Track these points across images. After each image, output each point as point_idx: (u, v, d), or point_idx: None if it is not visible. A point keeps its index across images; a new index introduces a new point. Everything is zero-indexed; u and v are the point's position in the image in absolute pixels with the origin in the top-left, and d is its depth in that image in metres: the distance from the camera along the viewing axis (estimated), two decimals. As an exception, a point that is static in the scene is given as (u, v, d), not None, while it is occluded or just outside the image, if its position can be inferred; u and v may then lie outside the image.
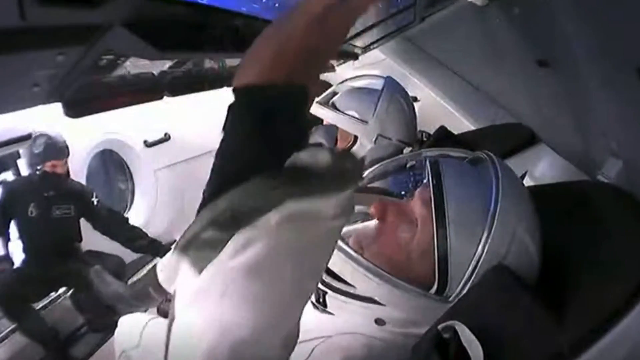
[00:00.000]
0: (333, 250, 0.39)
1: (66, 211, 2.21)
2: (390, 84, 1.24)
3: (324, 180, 0.32)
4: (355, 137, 1.18)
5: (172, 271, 0.34)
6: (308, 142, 0.36)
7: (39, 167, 2.16)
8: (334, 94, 1.27)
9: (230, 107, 0.35)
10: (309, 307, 0.67)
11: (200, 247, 0.32)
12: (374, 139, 1.16)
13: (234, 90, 0.35)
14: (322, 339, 0.59)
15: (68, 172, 2.27)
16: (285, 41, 0.36)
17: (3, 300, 2.06)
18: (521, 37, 1.40)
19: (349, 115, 1.17)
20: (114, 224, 2.36)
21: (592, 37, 0.94)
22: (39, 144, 2.13)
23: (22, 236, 2.19)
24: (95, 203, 2.30)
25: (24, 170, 2.37)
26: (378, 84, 1.25)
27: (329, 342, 0.58)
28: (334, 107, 1.20)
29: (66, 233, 2.25)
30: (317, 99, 1.22)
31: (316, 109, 1.20)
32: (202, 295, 0.32)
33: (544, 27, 1.21)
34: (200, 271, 0.32)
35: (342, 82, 1.33)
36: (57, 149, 2.17)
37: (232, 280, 0.31)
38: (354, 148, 1.18)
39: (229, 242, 0.31)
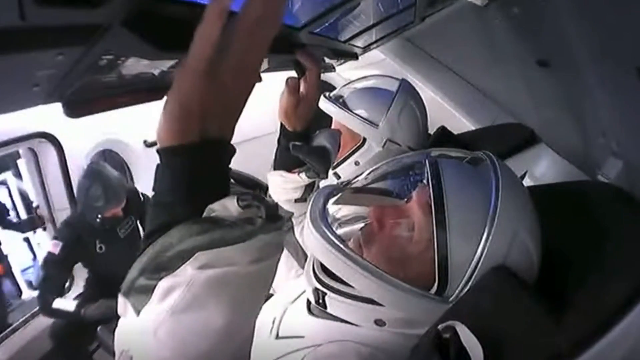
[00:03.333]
0: (267, 289, 0.42)
1: (129, 224, 2.19)
2: (405, 88, 1.19)
3: (231, 229, 0.36)
4: (365, 139, 1.16)
5: (122, 310, 0.39)
6: (226, 190, 0.39)
7: (98, 216, 2.06)
8: (347, 91, 1.23)
9: (156, 167, 0.40)
10: (303, 314, 0.68)
11: (137, 292, 0.37)
12: (382, 143, 1.14)
13: (156, 151, 0.39)
14: (311, 348, 0.59)
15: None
16: (186, 101, 0.38)
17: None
18: (521, 37, 1.40)
19: (359, 115, 1.14)
20: None
21: (592, 37, 0.94)
22: (96, 196, 2.00)
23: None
24: (142, 199, 2.25)
25: (25, 173, 2.35)
26: (392, 86, 1.20)
27: (317, 351, 0.59)
28: (345, 105, 1.17)
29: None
30: (327, 95, 1.19)
31: (326, 107, 1.17)
32: (141, 334, 0.37)
33: (544, 27, 1.21)
34: (138, 313, 0.37)
35: (356, 80, 1.29)
36: (116, 198, 2.06)
37: (161, 321, 0.36)
38: (362, 150, 1.16)
39: (156, 288, 0.36)
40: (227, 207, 0.37)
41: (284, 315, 0.71)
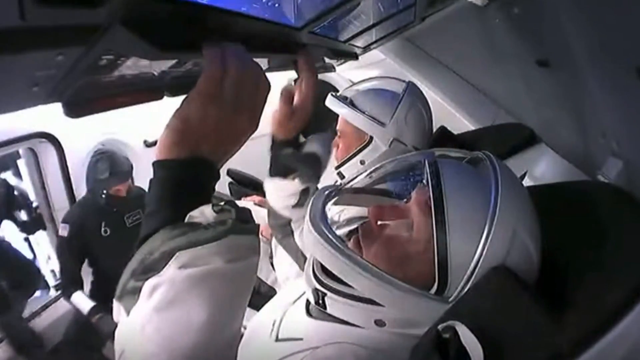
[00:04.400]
0: (248, 290, 0.45)
1: (137, 217, 2.19)
2: (412, 89, 1.22)
3: (206, 231, 0.40)
4: (371, 138, 1.17)
5: (117, 314, 0.42)
6: (206, 200, 0.43)
7: (104, 192, 2.10)
8: (354, 91, 1.25)
9: (149, 181, 0.45)
10: (302, 315, 0.68)
11: (128, 294, 0.41)
12: (389, 143, 1.15)
13: (152, 164, 0.45)
14: (309, 350, 0.60)
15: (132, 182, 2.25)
16: (187, 117, 0.44)
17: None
18: (521, 37, 1.40)
19: (366, 114, 1.16)
20: None
21: (592, 37, 0.94)
22: (102, 169, 2.06)
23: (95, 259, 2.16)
24: None
25: (25, 173, 2.35)
26: (399, 87, 1.23)
27: (314, 354, 0.59)
28: (352, 104, 1.18)
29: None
30: (334, 95, 1.21)
31: (334, 106, 1.18)
32: (131, 331, 0.40)
33: (544, 27, 1.21)
34: (128, 313, 0.40)
35: (362, 81, 1.31)
36: (122, 173, 2.11)
37: (147, 318, 0.39)
38: (368, 149, 1.17)
39: (143, 288, 0.39)
40: (204, 212, 0.42)
41: (283, 317, 0.71)
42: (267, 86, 0.49)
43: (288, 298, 0.76)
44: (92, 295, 2.13)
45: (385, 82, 1.28)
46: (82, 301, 2.00)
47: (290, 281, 1.14)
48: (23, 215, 2.56)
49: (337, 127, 1.24)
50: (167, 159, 0.43)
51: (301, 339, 0.64)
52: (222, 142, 0.45)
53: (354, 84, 1.30)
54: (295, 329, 0.67)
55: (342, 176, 1.22)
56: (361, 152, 1.18)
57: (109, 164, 2.08)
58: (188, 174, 0.43)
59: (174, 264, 0.39)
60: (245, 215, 0.43)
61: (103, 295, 2.04)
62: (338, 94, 1.23)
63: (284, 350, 0.63)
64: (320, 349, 0.60)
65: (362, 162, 1.18)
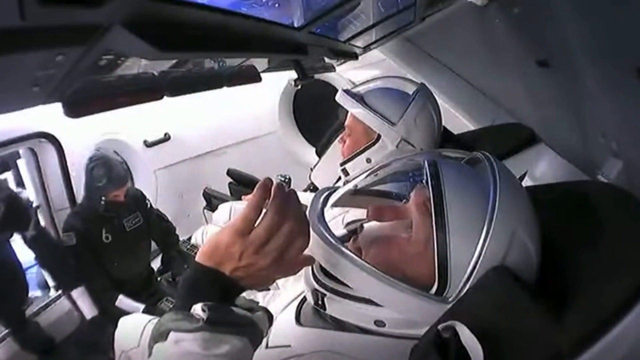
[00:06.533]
0: None
1: (136, 220, 2.21)
2: (424, 91, 1.22)
3: (189, 322, 0.50)
4: (379, 137, 1.17)
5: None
6: (212, 300, 0.52)
7: (102, 199, 2.08)
8: (365, 89, 1.25)
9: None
10: (291, 323, 0.69)
11: (149, 348, 0.53)
12: (397, 143, 1.15)
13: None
14: (293, 358, 0.61)
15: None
16: (218, 241, 0.54)
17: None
18: (521, 37, 1.40)
19: (377, 112, 1.16)
20: (165, 232, 2.36)
21: (592, 37, 0.94)
22: (99, 176, 2.04)
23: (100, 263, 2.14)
24: (149, 206, 2.28)
25: (25, 174, 2.34)
26: (410, 88, 1.23)
27: None
28: (362, 101, 1.19)
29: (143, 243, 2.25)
30: (346, 90, 1.21)
31: (345, 102, 1.19)
32: None
33: (544, 27, 1.21)
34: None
35: (373, 79, 1.30)
36: (119, 179, 2.09)
37: None
38: (375, 147, 1.17)
39: (153, 350, 0.52)
40: (196, 309, 0.51)
41: (273, 325, 0.71)
42: (304, 243, 0.54)
43: (277, 306, 0.76)
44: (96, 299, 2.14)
45: (397, 82, 1.28)
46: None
47: (289, 282, 1.14)
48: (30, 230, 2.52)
49: (346, 123, 1.24)
50: (198, 262, 0.55)
51: (289, 346, 0.64)
52: (241, 269, 0.53)
53: (367, 81, 1.30)
54: (284, 336, 0.67)
55: (346, 173, 1.22)
56: (368, 149, 1.18)
57: (105, 170, 2.06)
58: (204, 279, 0.54)
59: (170, 338, 0.50)
60: (218, 316, 0.50)
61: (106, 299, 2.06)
62: (350, 89, 1.23)
63: (272, 357, 0.63)
64: (305, 357, 0.60)
65: (368, 160, 1.18)
